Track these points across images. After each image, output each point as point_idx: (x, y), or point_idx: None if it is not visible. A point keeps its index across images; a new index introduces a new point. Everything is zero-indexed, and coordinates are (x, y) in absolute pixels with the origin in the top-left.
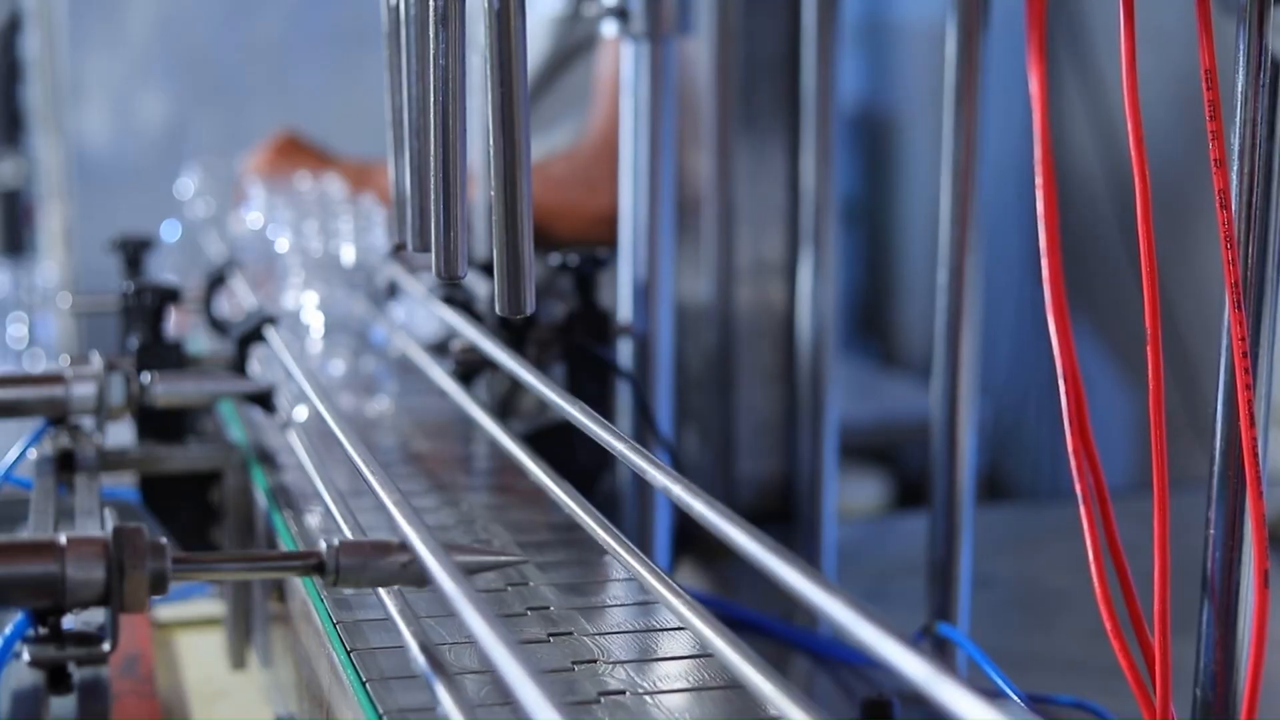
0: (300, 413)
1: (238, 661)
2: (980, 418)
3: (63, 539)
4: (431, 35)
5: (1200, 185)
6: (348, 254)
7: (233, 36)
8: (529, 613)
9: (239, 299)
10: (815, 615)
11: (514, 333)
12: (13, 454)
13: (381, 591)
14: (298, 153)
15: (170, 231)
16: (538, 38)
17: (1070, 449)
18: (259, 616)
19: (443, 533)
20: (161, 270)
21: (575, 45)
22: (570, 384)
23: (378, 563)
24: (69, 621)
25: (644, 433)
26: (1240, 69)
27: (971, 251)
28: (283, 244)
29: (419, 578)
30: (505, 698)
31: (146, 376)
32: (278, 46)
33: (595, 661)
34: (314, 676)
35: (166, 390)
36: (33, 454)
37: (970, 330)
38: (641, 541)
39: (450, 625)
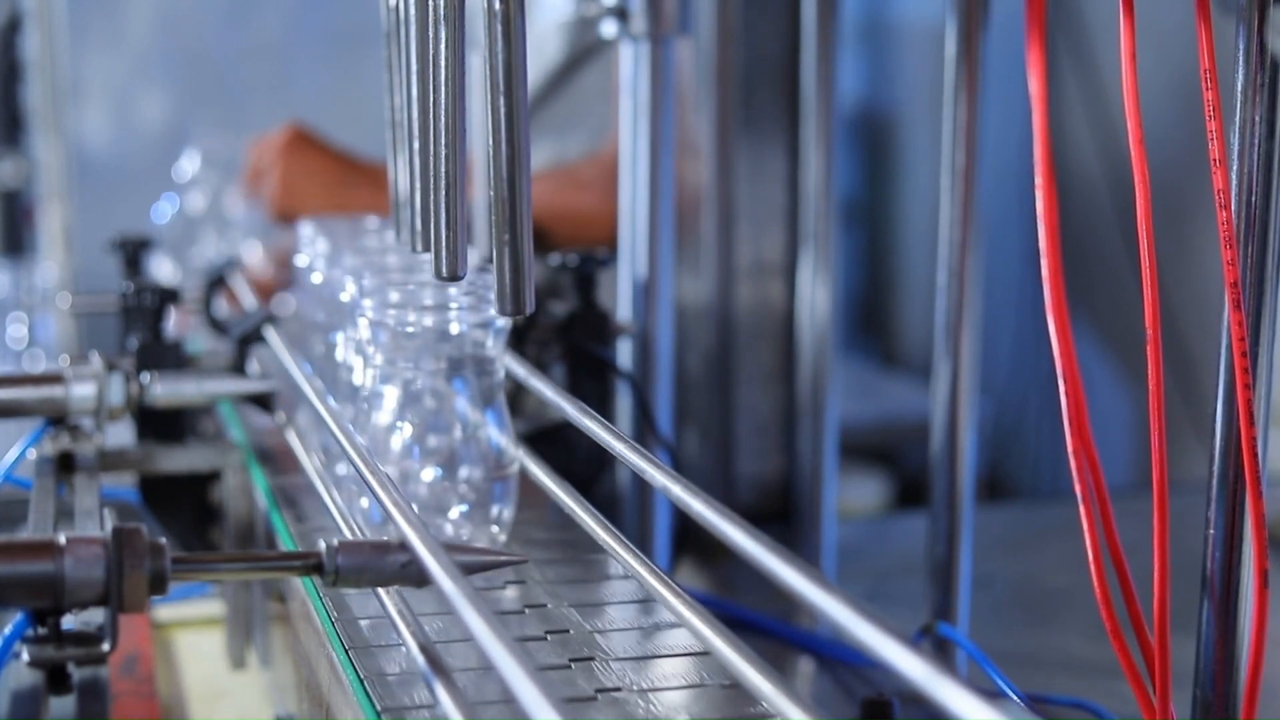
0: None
1: (238, 661)
2: (980, 418)
3: (62, 539)
4: (431, 35)
5: (1200, 185)
6: (453, 330)
7: (233, 36)
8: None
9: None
10: (815, 615)
11: (514, 333)
12: (13, 454)
13: (381, 591)
14: (310, 150)
15: (162, 212)
16: (549, 43)
17: (1070, 449)
18: (259, 616)
19: None
20: (154, 250)
21: (587, 49)
22: (570, 384)
23: (377, 563)
24: (68, 621)
25: (644, 433)
26: (1240, 69)
27: (971, 251)
28: (363, 327)
29: (419, 577)
30: (504, 696)
31: (146, 376)
32: (278, 46)
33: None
34: (314, 676)
35: (166, 390)
36: (32, 454)
37: (970, 330)
38: (641, 541)
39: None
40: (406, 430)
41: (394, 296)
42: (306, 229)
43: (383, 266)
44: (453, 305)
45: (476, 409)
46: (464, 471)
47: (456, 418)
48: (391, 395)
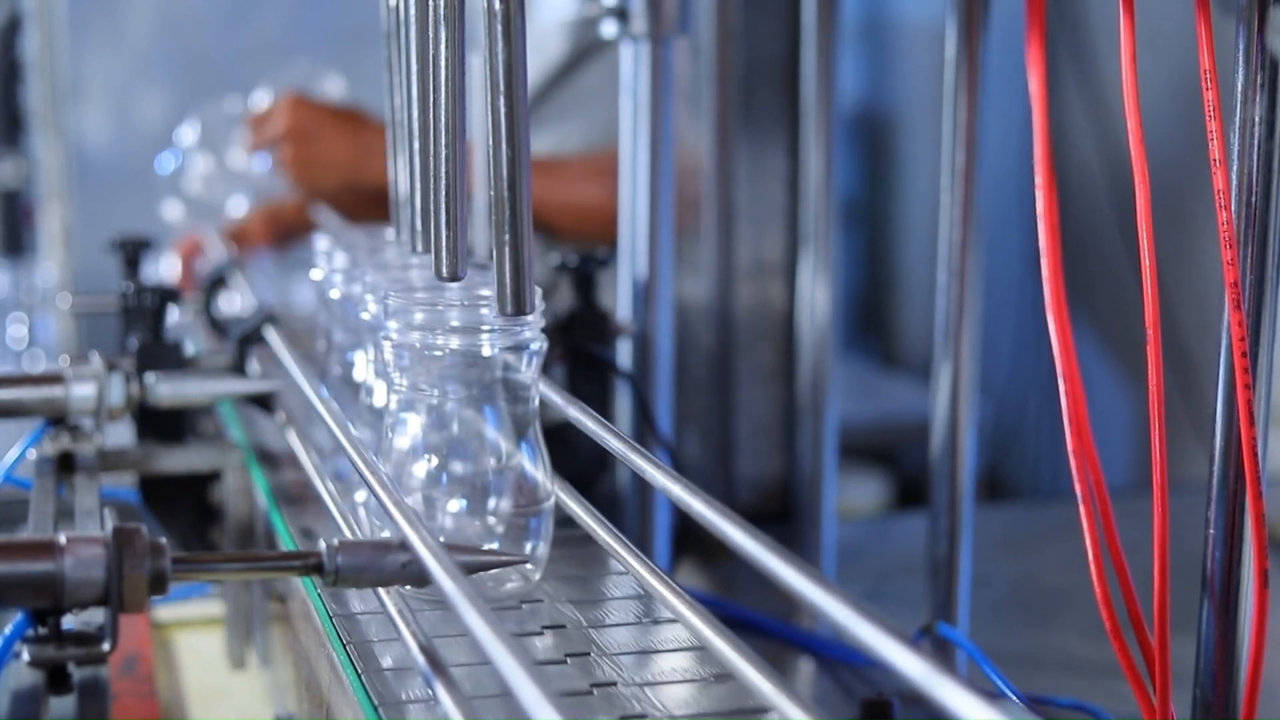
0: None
1: (238, 661)
2: (980, 418)
3: (62, 539)
4: (431, 35)
5: (1200, 185)
6: (484, 353)
7: (233, 36)
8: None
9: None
10: (815, 615)
11: None
12: (13, 454)
13: (381, 591)
14: (314, 114)
15: (165, 164)
16: (550, 41)
17: (1070, 449)
18: (259, 616)
19: None
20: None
21: (589, 47)
22: (570, 384)
23: (377, 563)
24: (68, 621)
25: (644, 433)
26: (1239, 69)
27: (971, 251)
28: (387, 350)
29: (419, 577)
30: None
31: (148, 377)
32: (278, 46)
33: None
34: (314, 676)
35: (167, 390)
36: (32, 454)
37: (970, 330)
38: (641, 541)
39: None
40: (432, 460)
41: (419, 316)
42: (322, 242)
43: (405, 282)
44: (484, 327)
45: (508, 438)
46: (493, 504)
47: (486, 447)
48: (415, 421)
